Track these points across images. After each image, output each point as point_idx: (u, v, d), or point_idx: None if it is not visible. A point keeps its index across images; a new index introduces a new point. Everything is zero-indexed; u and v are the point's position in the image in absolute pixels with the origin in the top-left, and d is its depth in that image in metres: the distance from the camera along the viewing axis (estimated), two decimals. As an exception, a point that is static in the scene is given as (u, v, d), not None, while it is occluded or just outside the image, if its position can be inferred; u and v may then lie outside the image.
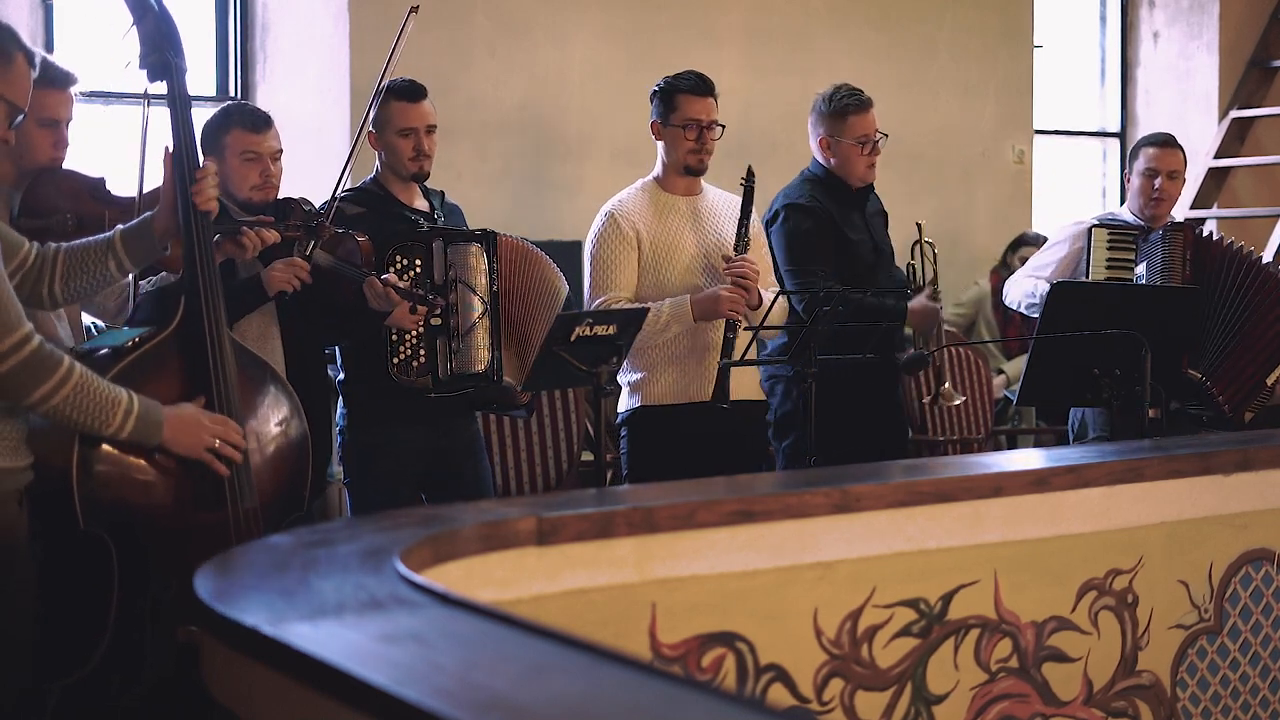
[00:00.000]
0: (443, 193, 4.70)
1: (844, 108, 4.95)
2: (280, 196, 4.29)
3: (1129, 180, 5.47)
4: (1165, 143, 5.42)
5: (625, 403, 4.73)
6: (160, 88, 3.57)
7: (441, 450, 4.51)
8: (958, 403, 5.68)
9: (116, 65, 3.60)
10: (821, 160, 5.04)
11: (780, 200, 5.05)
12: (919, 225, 5.03)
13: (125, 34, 3.56)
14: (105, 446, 3.36)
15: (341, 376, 4.56)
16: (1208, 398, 5.16)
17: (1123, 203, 5.65)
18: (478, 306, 4.31)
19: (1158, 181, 5.31)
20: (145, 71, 3.56)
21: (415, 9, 4.32)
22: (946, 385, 4.97)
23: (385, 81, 4.34)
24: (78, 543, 3.34)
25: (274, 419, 3.65)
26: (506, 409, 4.58)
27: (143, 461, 3.39)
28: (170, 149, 3.52)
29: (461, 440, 4.56)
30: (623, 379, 4.72)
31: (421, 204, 4.58)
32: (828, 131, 4.99)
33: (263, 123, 4.32)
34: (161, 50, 3.54)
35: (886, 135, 5.04)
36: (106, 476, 3.35)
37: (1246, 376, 5.16)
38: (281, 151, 4.34)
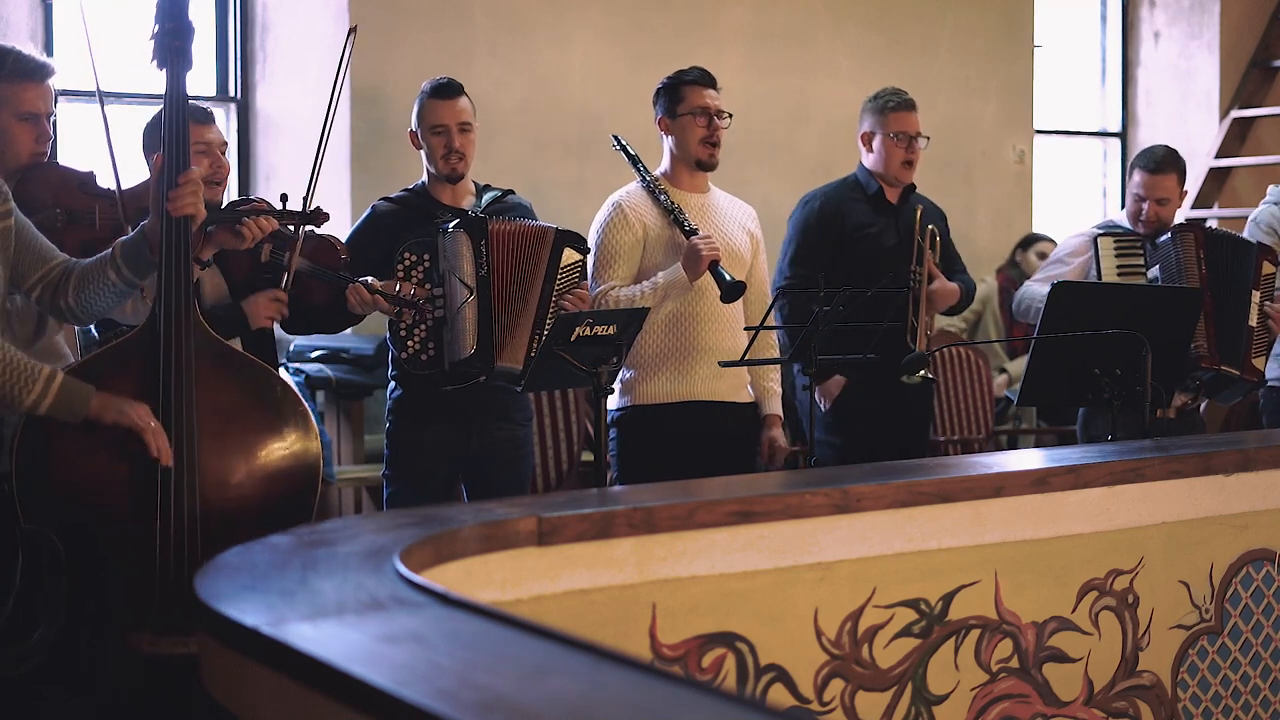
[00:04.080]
0: (505, 191, 4.66)
1: (886, 103, 5.13)
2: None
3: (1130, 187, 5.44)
4: (1157, 168, 5.21)
5: (615, 402, 4.72)
6: (161, 81, 3.52)
7: (473, 453, 4.50)
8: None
9: (121, 64, 3.56)
10: (864, 158, 5.17)
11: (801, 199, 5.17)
12: (918, 210, 5.11)
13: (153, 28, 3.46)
14: (51, 445, 3.27)
15: (392, 372, 4.57)
16: (1238, 381, 5.16)
17: (1123, 207, 5.63)
18: (464, 293, 4.31)
19: (1145, 207, 5.22)
20: (154, 58, 3.41)
21: (354, 30, 4.27)
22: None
23: (335, 104, 4.21)
24: (21, 541, 3.29)
25: (272, 438, 3.47)
26: (512, 383, 4.55)
27: (90, 465, 3.29)
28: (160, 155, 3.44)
29: (496, 445, 4.53)
30: None
31: (469, 203, 4.55)
32: (870, 126, 5.16)
33: (206, 116, 4.17)
34: (181, 35, 3.40)
35: (929, 138, 5.19)
36: (53, 476, 3.28)
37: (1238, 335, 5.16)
38: (226, 145, 4.25)
